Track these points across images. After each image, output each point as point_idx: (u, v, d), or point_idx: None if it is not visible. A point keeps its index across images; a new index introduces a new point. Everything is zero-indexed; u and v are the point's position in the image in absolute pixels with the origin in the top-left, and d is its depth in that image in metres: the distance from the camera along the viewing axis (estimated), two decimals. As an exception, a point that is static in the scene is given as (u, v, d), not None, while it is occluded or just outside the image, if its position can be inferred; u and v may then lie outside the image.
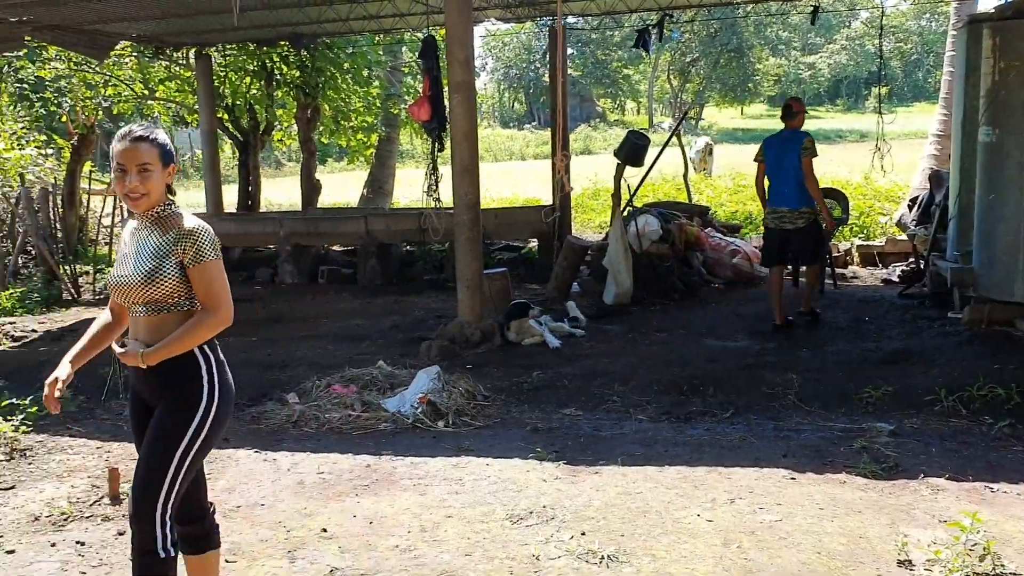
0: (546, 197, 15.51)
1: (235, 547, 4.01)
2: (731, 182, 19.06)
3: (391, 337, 8.27)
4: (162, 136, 2.96)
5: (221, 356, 3.06)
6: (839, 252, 11.17)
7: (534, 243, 12.07)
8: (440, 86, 8.69)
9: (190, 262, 2.89)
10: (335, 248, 12.62)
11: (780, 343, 7.49)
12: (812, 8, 10.38)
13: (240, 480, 4.91)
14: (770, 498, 4.33)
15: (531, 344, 7.60)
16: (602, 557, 3.74)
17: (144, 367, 2.90)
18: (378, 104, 14.75)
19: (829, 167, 17.98)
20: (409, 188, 21.19)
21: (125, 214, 13.47)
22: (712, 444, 5.20)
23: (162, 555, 2.87)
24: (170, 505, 2.90)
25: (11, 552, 4.07)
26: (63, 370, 3.04)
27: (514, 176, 25.66)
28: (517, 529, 4.07)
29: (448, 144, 7.88)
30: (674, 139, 11.51)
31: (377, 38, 12.92)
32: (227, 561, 3.86)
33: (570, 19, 13.59)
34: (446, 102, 8.28)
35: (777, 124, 8.27)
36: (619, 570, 3.65)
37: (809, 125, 8.32)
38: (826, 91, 60.14)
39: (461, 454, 5.14)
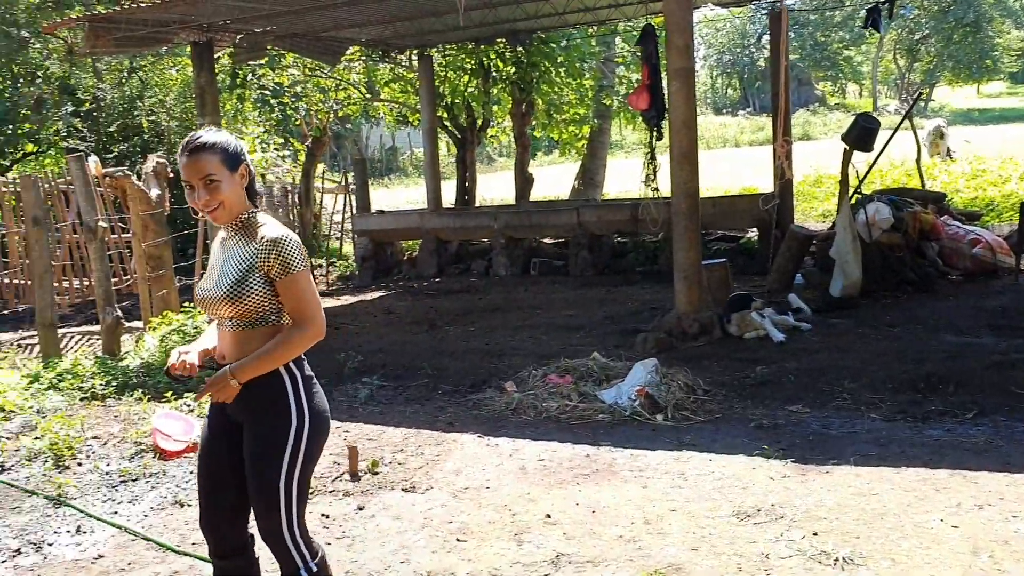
0: (763, 185, 15.01)
1: (464, 527, 4.16)
2: (968, 167, 17.65)
3: (604, 329, 8.28)
4: (223, 139, 2.72)
5: (308, 371, 2.88)
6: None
7: (752, 233, 11.70)
8: (659, 74, 8.60)
9: (277, 275, 2.69)
10: (546, 241, 12.81)
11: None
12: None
13: (465, 463, 5.08)
14: (1025, 507, 3.98)
15: (753, 338, 7.36)
16: (836, 559, 3.58)
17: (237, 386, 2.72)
18: (591, 96, 14.81)
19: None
20: (619, 179, 21.16)
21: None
22: (954, 446, 4.84)
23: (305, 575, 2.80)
24: (296, 525, 2.79)
25: (265, 520, 4.41)
26: (192, 355, 2.82)
27: (729, 164, 25.01)
28: (744, 526, 3.96)
29: (666, 132, 7.77)
30: (905, 122, 10.78)
31: (591, 30, 12.97)
32: (458, 540, 4.02)
33: (788, 0, 13.06)
34: (664, 90, 8.19)
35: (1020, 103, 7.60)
36: (855, 573, 3.48)
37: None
38: (1079, 64, 54.29)
39: (682, 448, 5.07)
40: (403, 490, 4.72)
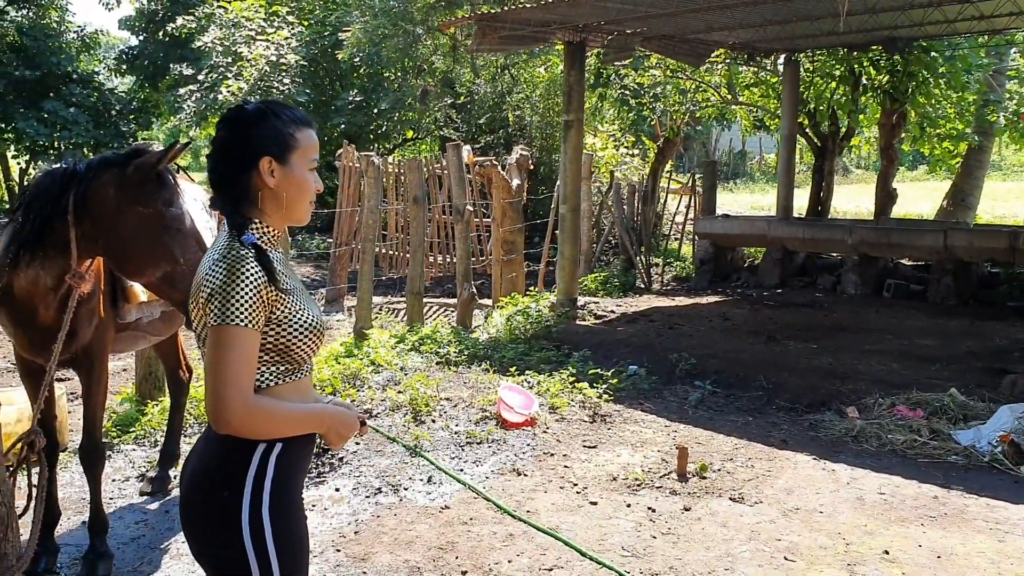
0: None
1: (793, 547, 4.04)
2: None
3: (965, 364, 7.56)
4: None
5: None
6: None
7: None
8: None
9: None
10: (904, 262, 11.92)
11: None
12: None
13: (798, 483, 4.92)
14: None
15: None
16: None
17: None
18: (972, 111, 13.51)
19: None
20: (995, 203, 19.16)
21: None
22: None
23: None
24: None
25: (594, 503, 4.60)
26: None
27: None
28: None
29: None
30: None
31: (982, 39, 11.81)
32: (786, 559, 3.91)
33: None
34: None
35: None
36: None
37: None
38: None
39: (1050, 507, 4.52)
40: (731, 499, 4.67)
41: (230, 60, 17.44)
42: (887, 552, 3.98)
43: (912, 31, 10.43)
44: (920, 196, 21.89)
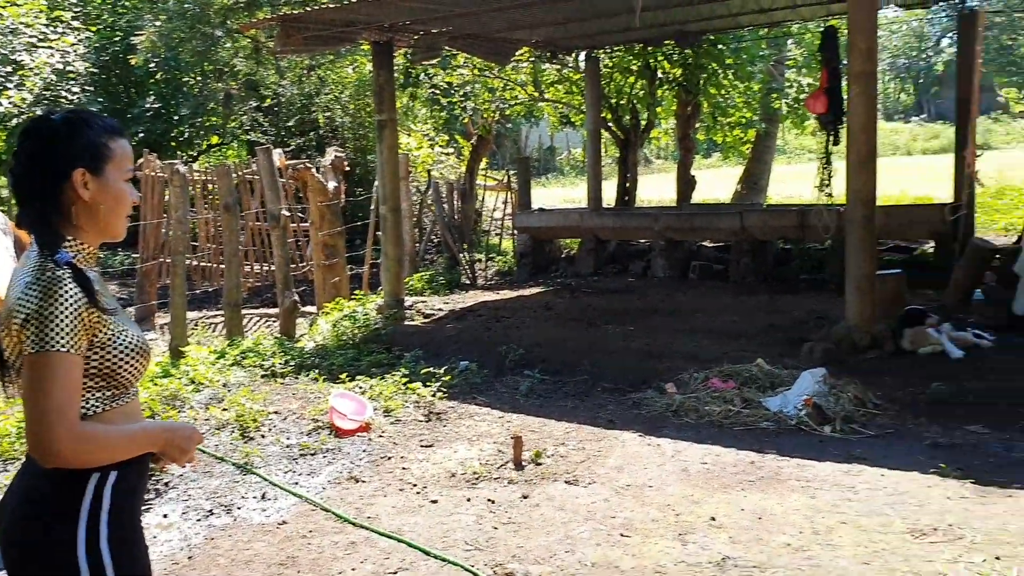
0: (937, 195, 14.29)
1: (628, 523, 4.21)
2: None
3: (768, 336, 8.12)
4: None
5: None
6: None
7: (926, 245, 11.15)
8: (839, 78, 8.37)
9: None
10: (707, 244, 12.63)
11: None
12: None
13: (627, 461, 5.13)
14: None
15: (928, 353, 7.06)
16: (1023, 588, 3.42)
17: None
18: (758, 99, 14.51)
19: None
20: (782, 185, 20.57)
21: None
22: None
23: None
24: None
25: (435, 502, 4.62)
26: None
27: (899, 172, 23.87)
28: (920, 544, 3.83)
29: (844, 138, 7.54)
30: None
31: (763, 31, 12.70)
32: (622, 535, 4.08)
33: (973, 1, 12.31)
34: (844, 94, 7.96)
35: None
36: (1044, 605, 3.31)
37: None
38: None
39: (852, 461, 4.94)
40: (566, 482, 4.81)
41: (10, 70, 16.15)
42: (713, 519, 4.22)
43: (701, 25, 11.07)
44: (716, 182, 23.19)
